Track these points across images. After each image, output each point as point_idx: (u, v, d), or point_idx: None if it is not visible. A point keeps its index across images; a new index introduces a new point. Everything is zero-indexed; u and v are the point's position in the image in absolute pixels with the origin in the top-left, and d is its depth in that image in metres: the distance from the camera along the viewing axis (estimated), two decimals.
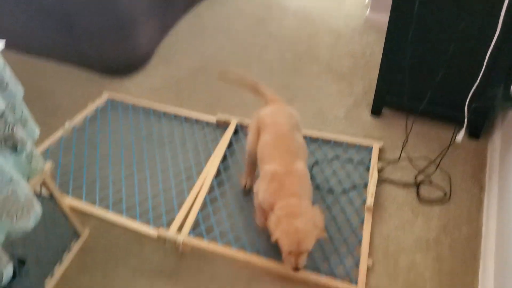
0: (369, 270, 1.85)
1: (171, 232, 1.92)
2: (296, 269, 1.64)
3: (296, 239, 1.58)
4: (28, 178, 1.49)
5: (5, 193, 1.23)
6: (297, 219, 1.59)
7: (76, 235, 1.98)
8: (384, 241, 1.96)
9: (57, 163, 2.34)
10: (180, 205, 2.06)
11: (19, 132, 1.30)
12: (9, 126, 1.25)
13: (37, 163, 1.44)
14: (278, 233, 1.61)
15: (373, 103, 2.59)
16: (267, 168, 1.76)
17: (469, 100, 2.04)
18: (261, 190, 1.78)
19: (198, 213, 2.01)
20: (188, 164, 2.33)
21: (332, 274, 1.83)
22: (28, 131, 1.44)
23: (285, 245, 1.60)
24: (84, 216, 2.07)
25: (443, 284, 1.80)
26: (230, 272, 1.87)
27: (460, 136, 2.14)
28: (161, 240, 1.92)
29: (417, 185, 2.18)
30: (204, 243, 1.89)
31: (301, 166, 1.76)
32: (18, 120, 1.36)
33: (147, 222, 2.02)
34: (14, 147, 1.30)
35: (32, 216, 1.36)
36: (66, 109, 2.74)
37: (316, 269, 1.84)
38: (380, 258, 1.90)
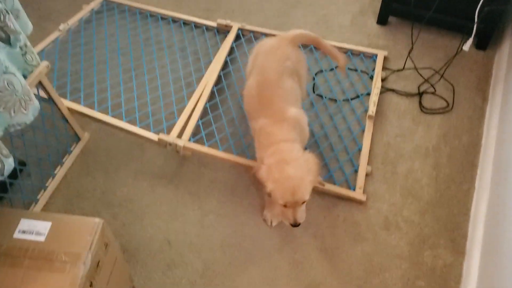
0: (367, 176, 1.87)
1: (171, 137, 1.91)
2: (295, 224, 1.47)
3: (290, 187, 1.39)
4: (25, 77, 1.45)
5: (0, 83, 1.19)
6: (288, 165, 1.42)
7: (76, 138, 1.99)
8: (383, 148, 1.97)
9: (53, 67, 2.28)
10: (180, 112, 2.04)
11: (11, 23, 1.24)
12: (0, 14, 1.18)
13: (32, 58, 1.40)
14: (270, 184, 1.42)
15: (380, 11, 2.48)
16: (254, 125, 1.62)
17: (481, 5, 1.95)
18: (256, 151, 1.62)
19: (198, 120, 1.99)
20: (188, 70, 2.28)
21: (331, 179, 1.85)
22: (21, 24, 1.37)
23: (279, 197, 1.41)
24: (84, 120, 2.06)
25: (440, 190, 1.83)
26: (230, 177, 1.90)
27: (468, 45, 2.08)
28: (162, 144, 1.92)
29: (420, 95, 2.15)
30: (204, 148, 1.89)
31: (293, 112, 1.59)
32: (9, 10, 1.29)
33: (147, 127, 2.01)
34: (7, 38, 1.25)
35: (30, 109, 1.34)
36: (60, 13, 2.64)
37: None
38: (379, 165, 1.91)
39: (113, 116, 2.03)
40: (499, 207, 1.58)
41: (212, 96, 2.13)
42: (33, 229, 1.20)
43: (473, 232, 1.70)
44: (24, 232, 1.20)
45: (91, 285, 1.18)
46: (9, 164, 1.26)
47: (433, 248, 1.69)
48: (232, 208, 1.81)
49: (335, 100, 2.14)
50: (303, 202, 1.44)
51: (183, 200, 1.84)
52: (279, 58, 1.69)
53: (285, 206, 1.43)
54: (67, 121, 1.89)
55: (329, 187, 1.80)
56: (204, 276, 1.65)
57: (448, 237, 1.71)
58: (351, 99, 2.15)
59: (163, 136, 1.90)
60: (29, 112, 1.35)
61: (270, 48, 1.73)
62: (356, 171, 1.87)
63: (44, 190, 1.83)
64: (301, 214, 1.46)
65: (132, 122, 2.01)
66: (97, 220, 1.23)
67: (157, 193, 1.86)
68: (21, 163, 1.85)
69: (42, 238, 1.19)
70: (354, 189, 1.81)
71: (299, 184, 1.40)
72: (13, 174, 1.78)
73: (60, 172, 1.90)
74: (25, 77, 1.47)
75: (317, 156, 1.49)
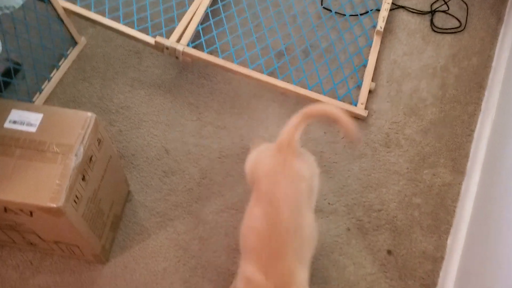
0: (371, 93, 1.82)
1: (169, 41, 1.82)
2: None
3: None
4: None
5: None
6: None
7: (72, 42, 1.91)
8: (390, 66, 1.90)
9: None
10: (180, 18, 1.94)
11: None
12: None
13: None
14: None
15: None
16: (244, 269, 1.16)
17: None
18: None
19: (198, 25, 1.90)
20: None
21: (333, 93, 1.80)
22: None
23: None
24: (80, 25, 1.97)
25: (444, 110, 1.79)
26: (230, 89, 1.85)
27: None
28: (159, 48, 1.83)
29: (432, 13, 2.05)
30: (203, 54, 1.81)
31: (303, 279, 1.14)
32: None
33: (145, 31, 1.91)
34: None
35: None
36: None
37: (318, 87, 1.81)
38: (383, 83, 1.85)
39: (110, 18, 1.93)
40: (503, 129, 1.55)
41: (214, 1, 2.02)
42: (24, 120, 1.17)
43: (475, 153, 1.67)
44: (15, 122, 1.17)
45: (83, 178, 1.16)
46: None
47: (432, 166, 1.67)
48: (231, 121, 1.77)
49: (343, 15, 2.05)
50: None
51: (181, 111, 1.80)
52: (292, 180, 1.18)
53: None
54: (63, 22, 1.81)
55: (331, 101, 1.75)
56: (201, 184, 1.64)
57: (449, 157, 1.69)
58: (360, 14, 2.05)
59: (160, 39, 1.80)
60: None
61: (275, 166, 1.20)
62: (359, 87, 1.82)
63: (40, 93, 1.79)
64: None
65: (129, 25, 1.91)
66: (89, 114, 1.19)
67: (155, 102, 1.82)
68: (15, 64, 1.79)
69: (33, 129, 1.16)
70: (356, 105, 1.76)
71: None
72: (8, 73, 1.73)
73: (56, 75, 1.84)
74: None
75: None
